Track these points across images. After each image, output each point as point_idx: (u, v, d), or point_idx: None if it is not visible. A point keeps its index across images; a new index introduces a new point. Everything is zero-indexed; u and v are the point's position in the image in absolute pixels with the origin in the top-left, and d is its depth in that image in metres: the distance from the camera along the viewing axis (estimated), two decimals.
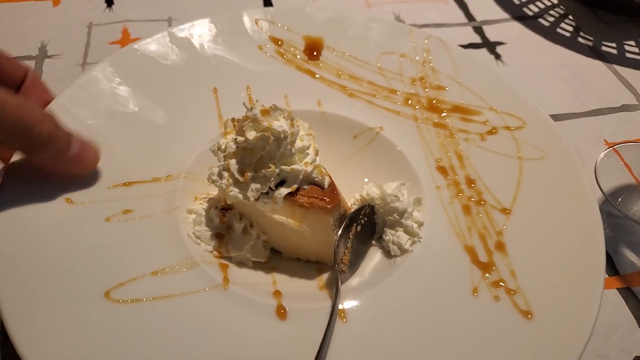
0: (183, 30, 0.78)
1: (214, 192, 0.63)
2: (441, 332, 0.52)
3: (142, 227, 0.58)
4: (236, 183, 0.55)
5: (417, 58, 0.79)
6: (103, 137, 0.63)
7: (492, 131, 0.70)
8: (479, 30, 1.00)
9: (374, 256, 0.61)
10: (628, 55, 0.95)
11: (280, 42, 0.78)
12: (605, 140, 0.80)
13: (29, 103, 0.54)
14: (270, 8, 0.82)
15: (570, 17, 1.04)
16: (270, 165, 0.54)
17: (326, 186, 0.57)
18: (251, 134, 0.54)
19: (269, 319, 0.52)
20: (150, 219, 0.59)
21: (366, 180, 0.67)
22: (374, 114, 0.72)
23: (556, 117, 0.83)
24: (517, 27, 1.01)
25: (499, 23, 1.02)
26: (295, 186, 0.56)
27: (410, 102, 0.73)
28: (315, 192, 0.57)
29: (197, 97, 0.72)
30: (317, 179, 0.57)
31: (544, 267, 0.56)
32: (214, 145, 0.58)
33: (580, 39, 0.98)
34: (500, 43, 0.97)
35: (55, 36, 0.91)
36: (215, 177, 0.57)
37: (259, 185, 0.55)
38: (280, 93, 0.73)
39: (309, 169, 0.56)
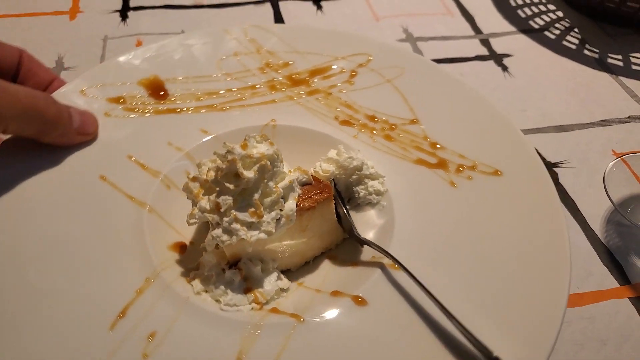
0: None
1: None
2: (466, 221, 0.61)
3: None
4: (250, 227, 0.54)
5: (250, 50, 0.81)
6: None
7: (353, 74, 0.78)
8: (485, 42, 1.01)
9: (363, 216, 0.64)
10: (634, 67, 0.97)
11: (121, 100, 0.72)
12: (613, 151, 0.81)
13: (34, 91, 0.59)
14: (86, 72, 0.74)
15: (576, 30, 1.05)
16: (274, 189, 0.55)
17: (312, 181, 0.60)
18: (249, 172, 0.53)
19: (362, 310, 0.53)
20: (175, 324, 0.52)
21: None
22: (256, 114, 0.73)
23: (563, 128, 0.84)
24: (523, 39, 1.03)
25: (505, 36, 1.03)
26: (297, 195, 0.57)
27: (275, 87, 0.76)
28: (309, 190, 0.59)
29: (89, 189, 0.63)
30: (304, 179, 0.59)
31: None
32: (191, 218, 0.54)
33: (586, 52, 1.00)
34: (507, 55, 0.98)
35: (72, 49, 0.93)
36: (224, 238, 0.53)
37: (273, 214, 0.54)
38: (162, 143, 0.68)
39: (296, 173, 0.58)
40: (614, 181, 0.69)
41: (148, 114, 0.71)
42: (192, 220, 0.55)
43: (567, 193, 0.74)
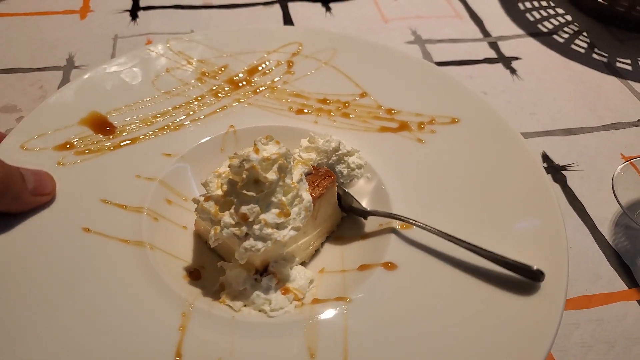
0: None
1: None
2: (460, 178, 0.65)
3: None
4: (280, 227, 0.54)
5: (181, 63, 0.79)
6: None
7: (290, 64, 0.79)
8: (494, 45, 1.01)
9: (353, 191, 0.67)
10: None
11: (68, 145, 0.66)
12: (622, 154, 0.81)
13: None
14: (18, 125, 0.67)
15: (585, 33, 1.05)
16: (291, 185, 0.55)
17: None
18: (271, 174, 0.53)
19: (395, 273, 0.56)
20: (235, 345, 0.51)
21: None
22: (212, 124, 0.71)
23: (572, 131, 0.84)
24: (532, 43, 1.03)
25: (514, 39, 1.03)
26: (306, 186, 0.58)
27: (220, 94, 0.75)
28: (313, 179, 0.60)
29: (77, 246, 0.57)
30: (307, 170, 0.60)
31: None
32: (216, 238, 0.53)
33: (595, 55, 1.00)
34: (516, 58, 0.98)
35: (82, 48, 0.94)
36: (260, 246, 0.52)
37: (296, 209, 0.55)
38: (130, 177, 0.64)
39: (301, 166, 0.59)
40: (622, 184, 0.69)
41: (102, 152, 0.66)
42: (217, 241, 0.53)
43: (575, 196, 0.74)
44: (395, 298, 0.54)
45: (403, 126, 0.71)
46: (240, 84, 0.77)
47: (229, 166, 0.54)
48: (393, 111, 0.73)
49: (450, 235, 0.56)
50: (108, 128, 0.68)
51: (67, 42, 0.95)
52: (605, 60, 0.99)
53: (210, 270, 0.60)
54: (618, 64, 0.98)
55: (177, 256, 0.60)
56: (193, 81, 0.77)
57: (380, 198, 0.65)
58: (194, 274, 0.59)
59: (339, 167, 0.67)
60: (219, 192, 0.54)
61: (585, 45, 1.02)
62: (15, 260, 0.55)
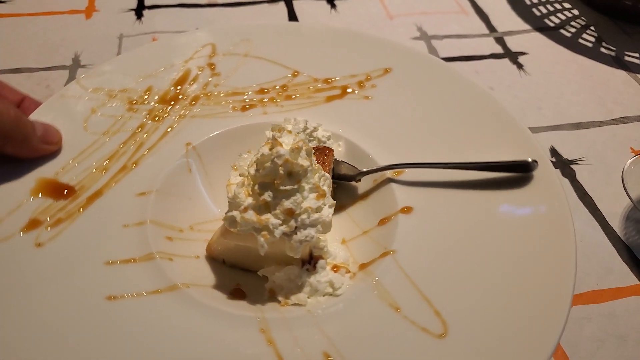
0: None
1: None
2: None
3: None
4: (322, 210, 0.54)
5: (103, 100, 0.72)
6: None
7: (212, 66, 0.78)
8: (500, 41, 1.01)
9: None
10: None
11: (35, 222, 0.58)
12: (631, 148, 0.80)
13: None
14: None
15: (592, 28, 1.04)
16: (315, 166, 0.55)
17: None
18: (304, 161, 0.52)
19: (414, 215, 0.60)
20: (334, 334, 0.50)
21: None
22: (167, 149, 0.67)
23: (580, 125, 0.83)
24: (538, 37, 1.02)
25: (520, 34, 1.03)
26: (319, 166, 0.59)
27: (158, 116, 0.70)
28: (317, 157, 0.62)
29: (107, 315, 0.52)
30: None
31: None
32: (266, 244, 0.52)
33: (602, 49, 0.99)
34: (522, 53, 0.98)
35: (88, 47, 0.94)
36: (313, 233, 0.52)
37: (326, 187, 0.55)
38: (117, 230, 0.58)
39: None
40: (632, 178, 0.68)
41: (76, 215, 0.59)
42: (267, 246, 0.52)
43: (585, 190, 0.74)
44: (428, 233, 0.57)
45: (344, 90, 0.74)
46: (173, 102, 0.72)
47: (259, 169, 0.52)
48: (329, 80, 0.76)
49: (442, 163, 0.62)
50: (66, 191, 0.61)
51: (73, 42, 0.95)
52: (613, 54, 0.98)
53: (247, 285, 0.58)
54: (626, 58, 0.97)
55: (210, 284, 0.58)
56: (125, 113, 0.70)
57: (361, 158, 0.67)
58: (238, 293, 0.57)
59: (311, 144, 0.67)
60: (250, 200, 0.52)
61: (592, 39, 1.02)
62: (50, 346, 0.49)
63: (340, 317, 0.51)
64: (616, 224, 0.70)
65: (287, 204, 0.52)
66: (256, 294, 0.57)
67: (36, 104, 0.69)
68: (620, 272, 0.64)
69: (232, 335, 0.50)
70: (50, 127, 0.65)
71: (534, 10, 1.09)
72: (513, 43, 1.00)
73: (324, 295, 0.54)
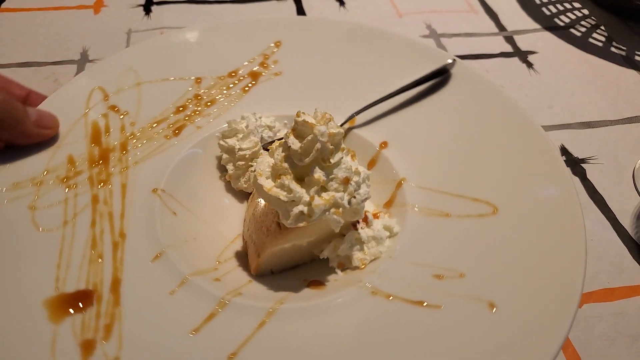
0: None
1: None
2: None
3: None
4: (364, 182, 0.56)
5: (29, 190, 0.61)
6: None
7: (115, 108, 0.71)
8: (510, 39, 1.00)
9: None
10: None
11: None
12: None
13: None
14: None
15: (602, 27, 1.04)
16: (342, 146, 0.55)
17: None
18: (332, 127, 0.52)
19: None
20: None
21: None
22: (138, 202, 0.61)
23: (591, 124, 0.83)
24: (548, 37, 1.01)
25: (530, 33, 1.02)
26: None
27: (101, 181, 0.63)
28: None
29: None
30: None
31: None
32: (338, 223, 0.53)
33: (613, 49, 0.98)
34: (532, 52, 0.97)
35: (96, 42, 0.94)
36: (366, 190, 0.55)
37: (356, 160, 0.57)
38: (165, 294, 0.54)
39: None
40: None
41: (115, 316, 0.51)
42: (342, 221, 0.53)
43: (595, 189, 0.73)
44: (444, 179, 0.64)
45: (255, 76, 0.77)
46: (103, 159, 0.65)
47: (303, 157, 0.52)
48: (233, 73, 0.77)
49: (390, 93, 0.72)
50: (82, 298, 0.52)
51: (81, 36, 0.95)
52: (623, 53, 0.97)
53: (312, 276, 0.58)
54: (637, 58, 0.96)
55: (290, 292, 0.56)
56: (66, 194, 0.61)
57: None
58: (316, 284, 0.57)
59: (268, 134, 0.70)
60: (304, 190, 0.52)
61: (603, 38, 1.01)
62: None
63: (418, 249, 0.57)
64: (627, 222, 0.69)
65: (341, 174, 0.53)
66: (328, 276, 0.58)
67: (42, 98, 0.69)
68: (631, 271, 0.63)
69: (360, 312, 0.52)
70: (45, 112, 0.64)
71: (544, 9, 1.08)
72: (523, 42, 0.99)
73: (388, 238, 0.59)
